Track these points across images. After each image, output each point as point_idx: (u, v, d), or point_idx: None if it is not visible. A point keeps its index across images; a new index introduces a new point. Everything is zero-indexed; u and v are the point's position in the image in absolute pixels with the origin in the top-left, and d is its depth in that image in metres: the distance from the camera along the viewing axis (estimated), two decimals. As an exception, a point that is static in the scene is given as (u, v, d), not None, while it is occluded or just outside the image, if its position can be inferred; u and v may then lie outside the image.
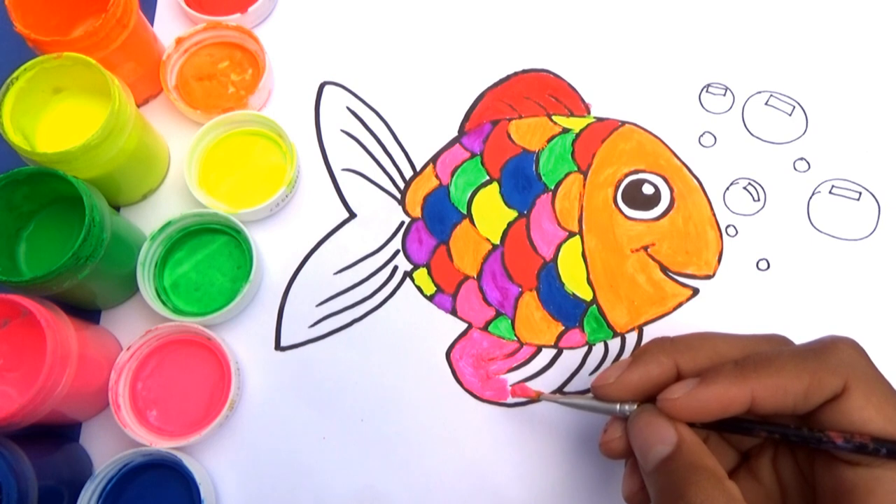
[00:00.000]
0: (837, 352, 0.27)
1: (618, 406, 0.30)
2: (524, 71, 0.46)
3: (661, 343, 0.30)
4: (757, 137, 0.44)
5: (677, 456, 0.27)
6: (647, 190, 0.43)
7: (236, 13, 0.47)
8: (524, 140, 0.44)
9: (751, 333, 0.30)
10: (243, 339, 0.41)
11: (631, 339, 0.40)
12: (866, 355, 0.27)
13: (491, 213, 0.43)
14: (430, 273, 0.42)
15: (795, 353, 0.27)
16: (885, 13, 0.47)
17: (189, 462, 0.37)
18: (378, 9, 0.48)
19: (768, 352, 0.28)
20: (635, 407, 0.30)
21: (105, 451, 0.39)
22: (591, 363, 0.40)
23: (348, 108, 0.46)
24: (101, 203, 0.36)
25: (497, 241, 0.42)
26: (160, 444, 0.37)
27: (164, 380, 0.40)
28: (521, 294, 0.41)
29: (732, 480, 0.27)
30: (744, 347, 0.29)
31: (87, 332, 0.37)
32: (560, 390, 0.40)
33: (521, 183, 0.43)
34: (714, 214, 0.42)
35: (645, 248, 0.42)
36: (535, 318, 0.41)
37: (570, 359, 0.40)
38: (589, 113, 0.45)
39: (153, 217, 0.44)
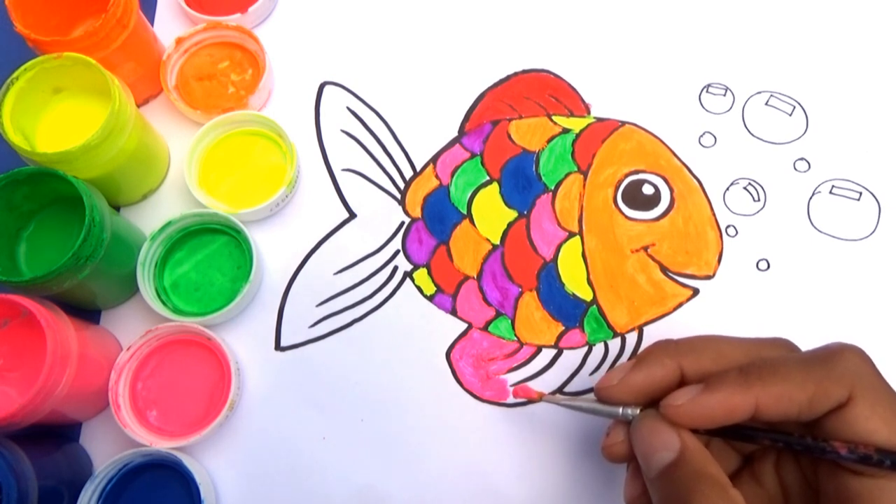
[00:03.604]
0: (843, 360, 0.26)
1: (620, 409, 0.30)
2: (524, 71, 0.46)
3: (665, 345, 0.30)
4: (757, 137, 0.44)
5: (681, 463, 0.27)
6: (647, 190, 0.43)
7: (236, 13, 0.47)
8: (524, 140, 0.44)
9: (755, 337, 0.30)
10: (243, 339, 0.41)
11: (631, 339, 0.40)
12: (872, 364, 0.27)
13: (491, 214, 0.43)
14: (430, 273, 0.42)
15: (801, 361, 0.27)
16: (885, 13, 0.47)
17: (189, 462, 0.37)
18: (378, 9, 0.48)
19: (773, 359, 0.27)
20: (638, 411, 0.30)
21: (105, 451, 0.39)
22: (592, 363, 0.40)
23: (348, 108, 0.46)
24: (101, 203, 0.36)
25: (497, 242, 0.42)
26: (160, 444, 0.37)
27: (164, 380, 0.40)
28: (521, 294, 0.41)
29: (735, 484, 0.27)
30: (748, 351, 0.29)
31: (87, 332, 0.37)
32: (560, 390, 0.40)
33: (521, 183, 0.43)
34: (714, 214, 0.42)
35: (645, 249, 0.42)
36: (535, 319, 0.41)
37: (571, 359, 0.40)
38: (589, 113, 0.45)
39: (153, 217, 0.44)
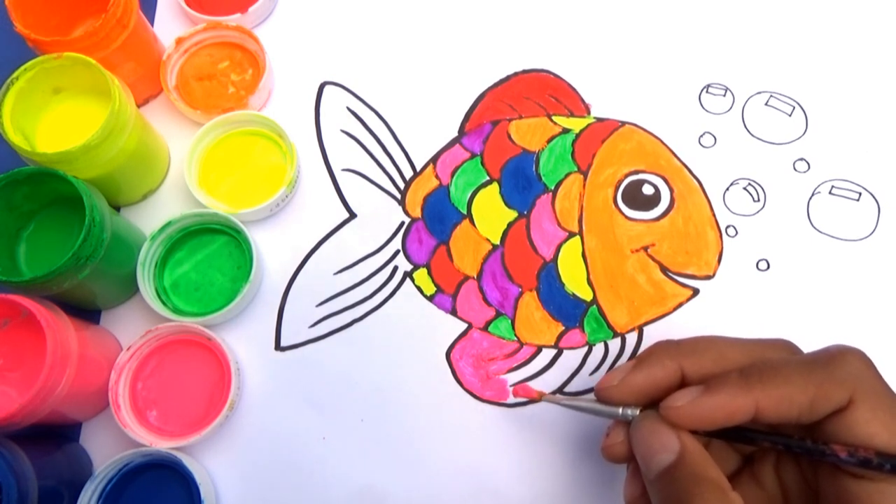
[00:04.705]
0: (844, 363, 0.26)
1: (620, 410, 0.30)
2: (524, 71, 0.46)
3: (666, 346, 0.30)
4: (757, 138, 0.44)
5: (680, 465, 0.27)
6: (647, 190, 0.43)
7: (236, 13, 0.46)
8: (524, 140, 0.44)
9: (756, 338, 0.30)
10: (243, 339, 0.41)
11: (631, 339, 0.40)
12: (874, 367, 0.27)
13: (491, 214, 0.43)
14: (430, 273, 0.42)
15: (802, 364, 0.27)
16: (885, 13, 0.47)
17: (189, 462, 0.37)
18: (378, 9, 0.48)
19: (774, 361, 0.27)
20: (638, 411, 0.30)
21: (105, 451, 0.39)
22: (592, 363, 0.40)
23: (348, 108, 0.46)
24: (101, 203, 0.36)
25: (497, 242, 0.42)
26: (160, 444, 0.37)
27: (164, 380, 0.40)
28: (521, 294, 0.41)
29: (735, 485, 0.27)
30: (749, 353, 0.29)
31: (87, 332, 0.37)
32: (560, 390, 0.40)
33: (522, 183, 0.43)
34: (714, 215, 0.42)
35: (645, 249, 0.42)
36: (535, 319, 0.41)
37: (571, 359, 0.40)
38: (589, 113, 0.45)
39: (153, 217, 0.44)
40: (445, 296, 0.42)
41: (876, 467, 0.25)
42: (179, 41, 0.46)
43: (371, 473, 0.39)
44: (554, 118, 0.45)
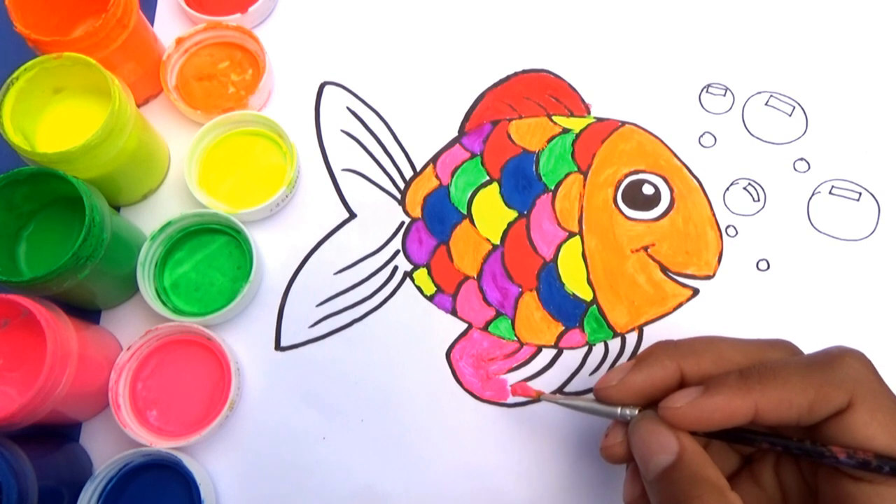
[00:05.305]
0: (844, 366, 0.26)
1: (619, 409, 0.30)
2: (524, 71, 0.46)
3: (665, 346, 0.30)
4: (757, 138, 0.44)
5: (679, 466, 0.27)
6: (647, 190, 0.43)
7: (236, 13, 0.47)
8: (524, 140, 0.44)
9: (756, 339, 0.30)
10: (243, 339, 0.41)
11: (631, 339, 0.40)
12: (874, 369, 0.27)
13: (491, 214, 0.43)
14: (430, 273, 0.42)
15: (801, 365, 0.27)
16: (885, 13, 0.47)
17: (189, 462, 0.37)
18: (378, 9, 0.48)
19: (774, 362, 0.27)
20: (637, 411, 0.30)
21: (105, 451, 0.39)
22: (592, 363, 0.40)
23: (348, 108, 0.46)
24: (101, 203, 0.36)
25: (497, 242, 0.42)
26: (160, 444, 0.37)
27: (164, 380, 0.40)
28: (521, 294, 0.41)
29: (734, 485, 0.27)
30: (749, 353, 0.29)
31: (87, 332, 0.37)
32: (560, 390, 0.40)
33: (522, 183, 0.43)
34: (714, 215, 0.42)
35: (645, 249, 0.42)
36: (535, 319, 0.41)
37: (571, 359, 0.40)
38: (589, 113, 0.45)
39: (153, 217, 0.44)
40: (445, 296, 0.42)
41: (875, 469, 0.25)
42: (179, 41, 0.46)
43: (371, 473, 0.39)
44: (554, 118, 0.45)
